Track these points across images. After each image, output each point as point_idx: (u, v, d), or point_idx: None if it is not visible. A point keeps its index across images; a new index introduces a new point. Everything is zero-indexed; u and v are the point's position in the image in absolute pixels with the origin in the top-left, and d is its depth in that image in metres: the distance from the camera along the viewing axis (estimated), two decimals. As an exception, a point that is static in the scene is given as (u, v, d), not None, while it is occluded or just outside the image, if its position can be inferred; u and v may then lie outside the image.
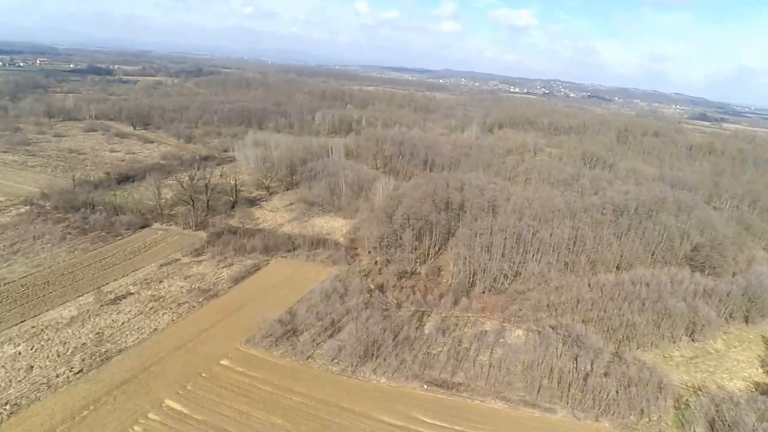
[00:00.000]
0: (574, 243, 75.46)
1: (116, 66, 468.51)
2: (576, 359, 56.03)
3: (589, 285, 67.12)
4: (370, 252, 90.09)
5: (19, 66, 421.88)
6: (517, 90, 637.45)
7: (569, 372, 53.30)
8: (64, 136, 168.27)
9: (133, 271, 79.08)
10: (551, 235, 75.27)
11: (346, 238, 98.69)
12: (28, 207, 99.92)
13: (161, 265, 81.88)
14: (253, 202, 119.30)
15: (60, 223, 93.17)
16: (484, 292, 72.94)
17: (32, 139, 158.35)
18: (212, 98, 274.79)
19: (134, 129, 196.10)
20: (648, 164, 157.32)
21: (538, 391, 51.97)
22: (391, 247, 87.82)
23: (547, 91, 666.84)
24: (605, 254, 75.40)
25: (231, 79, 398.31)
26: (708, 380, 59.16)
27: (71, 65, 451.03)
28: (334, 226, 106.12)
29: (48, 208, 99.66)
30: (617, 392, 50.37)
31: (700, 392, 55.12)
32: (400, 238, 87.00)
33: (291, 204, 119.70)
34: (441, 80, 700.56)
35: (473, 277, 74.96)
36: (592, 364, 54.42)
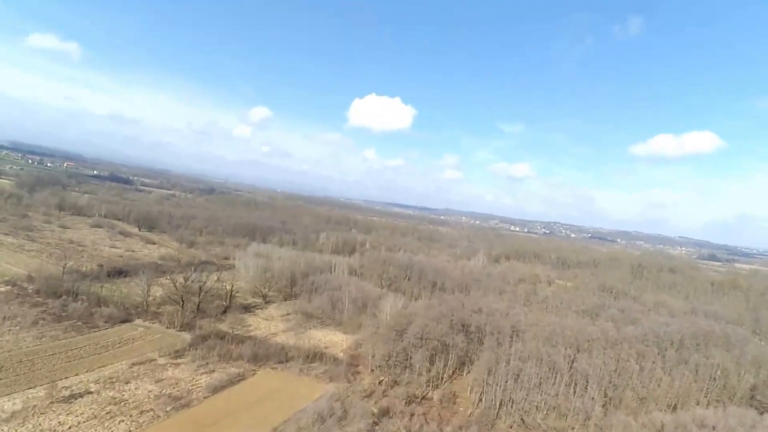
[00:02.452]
0: (618, 376, 66.41)
1: (136, 177, 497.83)
2: None
3: (644, 425, 56.47)
4: (373, 370, 79.96)
5: (47, 166, 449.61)
6: (517, 229, 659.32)
7: None
8: (68, 228, 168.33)
9: (99, 367, 68.93)
10: (591, 365, 66.62)
11: (347, 353, 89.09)
12: (9, 287, 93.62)
13: (133, 364, 71.85)
14: (247, 308, 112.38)
15: (37, 307, 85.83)
16: (512, 427, 61.44)
17: (36, 227, 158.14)
18: (220, 212, 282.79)
19: (139, 230, 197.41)
20: (673, 299, 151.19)
21: None
22: (399, 366, 78.56)
23: (548, 232, 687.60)
24: (655, 390, 65.61)
25: (241, 199, 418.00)
26: None
27: (95, 171, 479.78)
28: (334, 340, 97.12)
29: (30, 291, 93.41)
30: None
31: None
32: (410, 358, 78.04)
33: (288, 314, 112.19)
34: (442, 217, 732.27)
35: (498, 408, 64.16)
36: None
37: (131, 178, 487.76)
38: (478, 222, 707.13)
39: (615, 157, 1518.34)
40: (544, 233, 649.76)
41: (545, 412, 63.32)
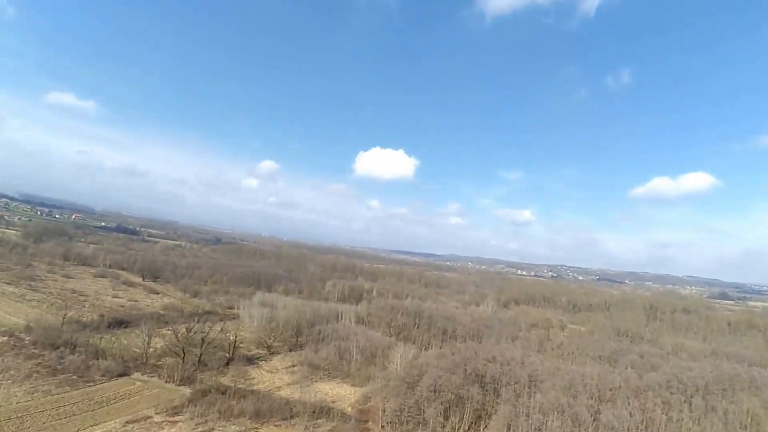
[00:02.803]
0: (646, 428, 61.39)
1: (143, 228, 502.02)
2: None
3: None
4: (383, 427, 74.89)
5: (55, 217, 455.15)
6: (524, 273, 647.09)
7: None
8: (72, 278, 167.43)
9: (91, 426, 64.94)
10: (616, 417, 61.83)
11: (355, 408, 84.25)
12: (5, 338, 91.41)
13: (127, 422, 67.75)
14: (250, 360, 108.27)
15: (32, 359, 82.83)
16: (538, 490, 56.05)
17: (40, 276, 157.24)
18: (226, 262, 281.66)
19: (143, 280, 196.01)
20: (691, 341, 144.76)
21: None
22: (411, 422, 73.50)
23: (555, 275, 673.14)
24: (687, 442, 60.41)
25: (246, 249, 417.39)
26: None
27: (102, 223, 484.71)
28: (341, 393, 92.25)
29: (26, 342, 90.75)
30: None
31: None
32: (423, 412, 73.29)
33: (293, 366, 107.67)
34: (448, 263, 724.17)
35: (520, 467, 59.00)
36: None
37: (138, 229, 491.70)
38: (484, 267, 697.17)
39: (615, 201, 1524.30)
40: (552, 276, 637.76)
41: (573, 471, 58.10)
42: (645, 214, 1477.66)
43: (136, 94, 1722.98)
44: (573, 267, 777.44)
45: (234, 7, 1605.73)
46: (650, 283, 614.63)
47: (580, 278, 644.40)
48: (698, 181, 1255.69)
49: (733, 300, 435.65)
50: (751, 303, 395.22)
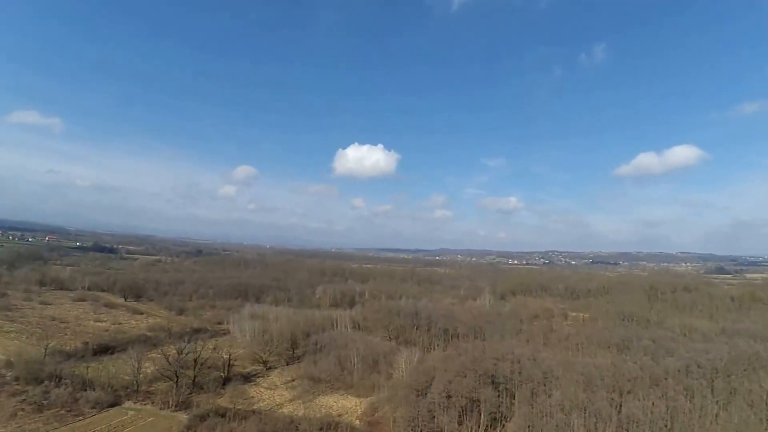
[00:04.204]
0: (671, 417, 60.70)
1: (120, 246, 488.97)
2: None
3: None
4: (396, 438, 72.74)
5: (28, 241, 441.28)
6: (516, 262, 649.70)
7: None
8: (50, 304, 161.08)
9: (86, 464, 61.19)
10: (641, 409, 60.95)
11: (363, 420, 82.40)
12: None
13: (124, 456, 64.20)
14: (247, 378, 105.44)
15: (16, 396, 78.89)
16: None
17: (16, 305, 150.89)
18: (209, 274, 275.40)
19: (125, 300, 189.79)
20: (699, 320, 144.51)
21: None
22: (425, 430, 71.64)
23: (547, 261, 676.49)
24: (714, 427, 59.71)
25: (230, 259, 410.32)
26: None
27: (77, 243, 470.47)
28: (347, 405, 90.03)
29: (8, 378, 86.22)
30: None
31: None
32: (435, 419, 71.53)
33: (292, 380, 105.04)
34: (437, 257, 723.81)
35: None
36: None
37: (115, 246, 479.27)
38: (474, 259, 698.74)
39: (601, 181, 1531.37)
40: (544, 263, 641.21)
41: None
42: (632, 192, 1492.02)
43: (102, 107, 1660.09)
44: (564, 252, 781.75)
45: (196, 5, 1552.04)
46: (645, 262, 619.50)
47: (573, 263, 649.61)
48: (684, 154, 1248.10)
49: (730, 273, 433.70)
50: (748, 275, 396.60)
